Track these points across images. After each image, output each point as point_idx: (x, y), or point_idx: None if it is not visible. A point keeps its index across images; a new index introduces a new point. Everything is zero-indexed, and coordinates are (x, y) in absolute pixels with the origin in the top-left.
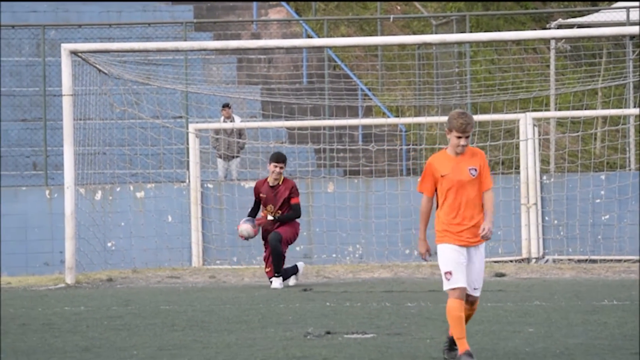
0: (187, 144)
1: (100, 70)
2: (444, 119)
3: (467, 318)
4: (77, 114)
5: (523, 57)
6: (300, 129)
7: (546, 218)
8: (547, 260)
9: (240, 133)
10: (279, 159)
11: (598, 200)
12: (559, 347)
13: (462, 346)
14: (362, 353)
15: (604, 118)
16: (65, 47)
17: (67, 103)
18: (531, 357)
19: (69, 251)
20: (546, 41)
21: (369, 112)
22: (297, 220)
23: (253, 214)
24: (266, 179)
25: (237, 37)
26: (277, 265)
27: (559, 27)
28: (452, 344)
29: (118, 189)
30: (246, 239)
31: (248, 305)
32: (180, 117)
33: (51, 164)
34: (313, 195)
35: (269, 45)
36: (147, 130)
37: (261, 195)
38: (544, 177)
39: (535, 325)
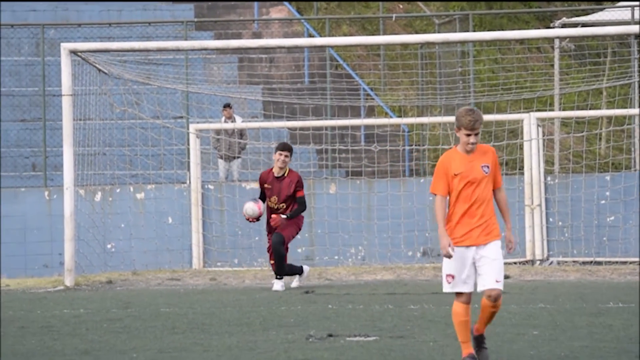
0: (188, 144)
1: (100, 70)
2: (447, 119)
3: (491, 316)
4: (76, 114)
5: (527, 57)
6: (302, 129)
7: (550, 219)
8: (551, 262)
9: (241, 133)
10: (285, 147)
11: (603, 202)
12: (563, 350)
13: (466, 349)
14: (365, 356)
15: (609, 118)
16: (65, 47)
17: (66, 103)
18: None
19: (68, 253)
20: (550, 40)
21: (371, 112)
22: (302, 213)
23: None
24: (271, 169)
25: (238, 36)
26: (279, 267)
27: (563, 26)
28: (478, 343)
29: (118, 190)
30: (252, 219)
31: (249, 307)
32: (181, 117)
33: (50, 164)
34: (315, 196)
35: (270, 45)
36: (147, 130)
37: (266, 186)
38: (548, 178)
39: (540, 328)
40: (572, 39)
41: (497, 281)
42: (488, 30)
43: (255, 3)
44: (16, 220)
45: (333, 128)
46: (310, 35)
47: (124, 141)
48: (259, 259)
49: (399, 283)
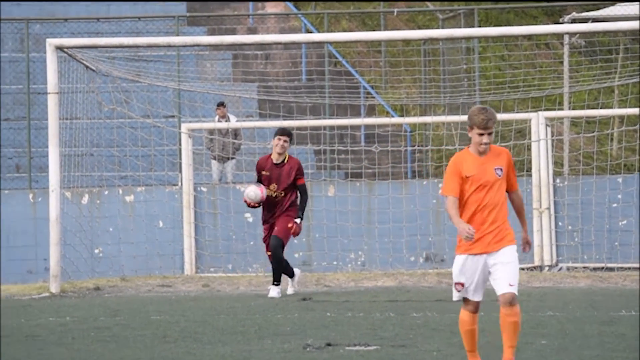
0: (180, 144)
1: (87, 67)
2: (451, 118)
3: (513, 328)
4: (63, 113)
5: (535, 53)
6: (299, 129)
7: (560, 223)
8: (560, 268)
9: (235, 133)
10: (284, 132)
11: (615, 205)
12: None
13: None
14: None
15: (621, 117)
16: (51, 42)
17: (52, 101)
18: None
19: (53, 258)
20: (559, 36)
21: (371, 111)
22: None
23: None
24: (269, 155)
25: (233, 32)
26: (277, 273)
27: (573, 21)
28: None
29: (106, 193)
30: (254, 204)
31: (244, 315)
32: (173, 116)
33: (35, 166)
34: (313, 199)
35: (266, 41)
36: (137, 130)
37: (264, 173)
38: (557, 180)
39: (549, 336)
40: (583, 34)
41: (510, 285)
42: (494, 26)
43: None
44: None
45: (332, 128)
46: (308, 31)
47: (113, 141)
48: (254, 265)
49: (400, 290)
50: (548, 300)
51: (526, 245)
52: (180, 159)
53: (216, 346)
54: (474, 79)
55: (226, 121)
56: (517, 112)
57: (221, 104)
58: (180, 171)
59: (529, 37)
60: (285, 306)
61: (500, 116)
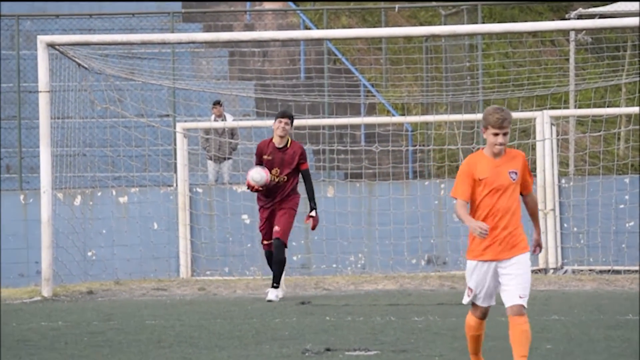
0: (175, 144)
1: (79, 65)
2: (454, 117)
3: (524, 336)
4: (54, 112)
5: (540, 50)
6: (297, 128)
7: (565, 225)
8: (566, 271)
9: (232, 133)
10: (284, 114)
11: (622, 206)
12: None
13: None
14: None
15: (628, 116)
16: (42, 40)
17: (43, 100)
18: None
19: (45, 261)
20: (565, 33)
21: (372, 110)
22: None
23: None
24: (271, 139)
25: (229, 28)
26: (277, 275)
27: (579, 17)
28: None
29: (99, 194)
30: (257, 188)
31: (241, 319)
32: (167, 115)
33: (26, 166)
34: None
35: (263, 38)
36: (131, 129)
37: (265, 157)
38: (563, 181)
39: (554, 341)
40: (589, 31)
41: (520, 297)
42: (498, 22)
43: None
44: None
45: (331, 127)
46: (306, 28)
47: (106, 141)
48: (251, 267)
49: (402, 293)
50: (553, 304)
51: (537, 247)
52: (175, 159)
53: (213, 351)
54: (477, 76)
55: (222, 120)
56: (522, 111)
57: (217, 103)
58: (176, 172)
59: (533, 33)
60: (283, 310)
61: None
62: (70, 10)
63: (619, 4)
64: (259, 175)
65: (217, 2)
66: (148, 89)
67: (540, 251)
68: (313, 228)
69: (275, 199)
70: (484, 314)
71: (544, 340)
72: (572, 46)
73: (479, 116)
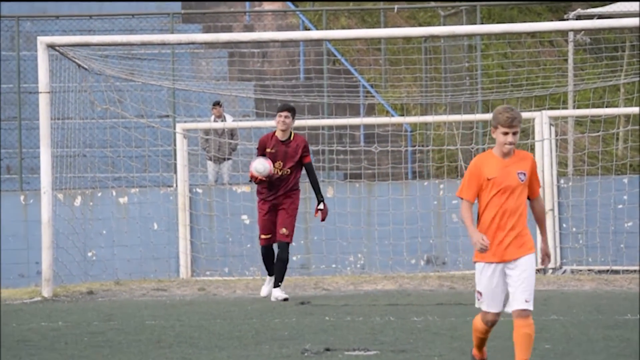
0: (175, 145)
1: (79, 66)
2: (453, 117)
3: (527, 339)
4: (54, 113)
5: (539, 51)
6: (297, 128)
7: (564, 225)
8: (564, 271)
9: (232, 133)
10: (284, 107)
11: (620, 206)
12: None
13: (477, 355)
14: None
15: (627, 116)
16: (42, 40)
17: (43, 101)
18: None
19: (46, 262)
20: (564, 33)
21: (371, 110)
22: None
23: None
24: (273, 133)
25: (229, 29)
26: (281, 275)
27: (578, 17)
28: None
29: (99, 194)
30: (261, 178)
31: (241, 319)
32: (167, 116)
33: (26, 167)
34: (311, 200)
35: (263, 39)
36: (131, 130)
37: (268, 150)
38: (562, 181)
39: (553, 341)
40: (588, 31)
41: (526, 301)
42: (497, 23)
43: None
44: None
45: (330, 127)
46: (306, 28)
47: (106, 142)
48: (251, 268)
49: (401, 293)
50: (552, 304)
51: (545, 257)
52: (175, 159)
53: (212, 351)
54: (476, 77)
55: (222, 121)
56: (521, 111)
57: (217, 104)
58: (175, 172)
59: (532, 34)
60: (282, 310)
61: None
62: (70, 11)
63: (617, 4)
64: (262, 166)
65: (216, 3)
66: (148, 89)
67: (549, 262)
68: (323, 219)
69: (278, 193)
70: (493, 321)
71: (542, 340)
72: (570, 47)
73: (477, 117)
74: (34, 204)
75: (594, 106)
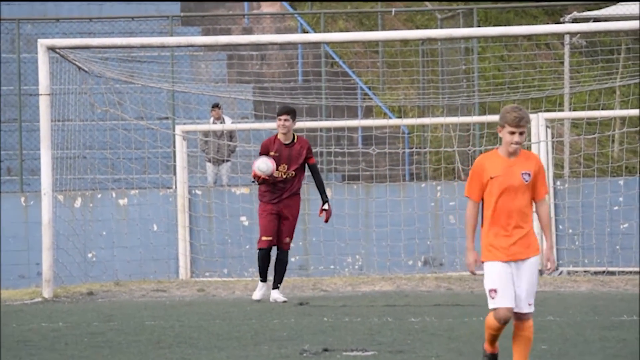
0: (174, 147)
1: (80, 68)
2: (450, 120)
3: (526, 341)
4: (55, 115)
5: (535, 54)
6: (295, 130)
7: (560, 227)
8: (561, 272)
9: (230, 135)
10: (282, 110)
11: (616, 208)
12: None
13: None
14: None
15: (622, 119)
16: (42, 43)
17: (44, 103)
18: None
19: (46, 263)
20: (560, 36)
21: (369, 112)
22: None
23: None
24: (275, 136)
25: (228, 32)
26: (281, 277)
27: (574, 20)
28: None
29: (99, 196)
30: (264, 177)
31: (240, 320)
32: (167, 118)
33: (27, 168)
34: (309, 202)
35: (261, 41)
36: (130, 132)
37: (272, 153)
38: (558, 183)
39: (549, 341)
40: (583, 34)
41: (529, 304)
42: (493, 26)
43: None
44: None
45: (328, 129)
46: (304, 31)
47: (106, 144)
48: (250, 269)
49: (398, 294)
50: (548, 305)
51: (547, 262)
52: (175, 161)
53: (212, 352)
54: (473, 79)
55: (221, 123)
56: None
57: (216, 106)
58: (175, 174)
59: (528, 37)
60: (281, 311)
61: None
62: (70, 14)
63: (613, 7)
64: (265, 165)
65: (215, 5)
66: (147, 92)
67: (553, 268)
68: (327, 220)
69: (282, 196)
70: (506, 317)
71: (539, 341)
72: (566, 49)
73: (474, 119)
74: (34, 206)
75: (590, 108)
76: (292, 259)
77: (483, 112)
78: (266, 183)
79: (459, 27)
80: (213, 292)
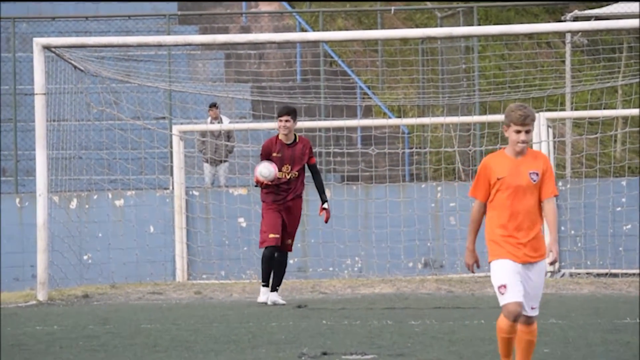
0: (171, 147)
1: (75, 67)
2: (450, 119)
3: (529, 344)
4: (50, 115)
5: (536, 52)
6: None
7: (562, 228)
8: (563, 274)
9: (228, 135)
10: (282, 111)
11: (619, 209)
12: None
13: None
14: None
15: (625, 118)
16: (38, 42)
17: (39, 103)
18: None
19: (41, 265)
20: (561, 35)
21: (368, 112)
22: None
23: None
24: (277, 137)
25: (225, 30)
26: (279, 279)
27: (575, 19)
28: None
29: (95, 197)
30: (267, 183)
31: (237, 323)
32: (164, 118)
33: (22, 169)
34: (308, 203)
35: (259, 40)
36: (127, 132)
37: (274, 155)
38: (560, 183)
39: (551, 345)
40: (585, 33)
41: (532, 308)
42: (494, 24)
43: None
44: None
45: (327, 129)
46: (302, 30)
47: (102, 144)
48: (248, 271)
49: (398, 297)
50: (550, 308)
51: (550, 253)
52: (172, 162)
53: (209, 355)
54: (474, 79)
55: (219, 123)
56: None
57: (213, 105)
58: (172, 174)
59: (529, 35)
60: (279, 314)
61: (500, 117)
62: (66, 13)
63: (615, 5)
64: (267, 170)
65: (213, 4)
66: (144, 91)
67: (554, 259)
68: (326, 220)
69: (287, 198)
70: (517, 314)
71: (541, 344)
72: (568, 48)
73: (475, 118)
74: (29, 207)
75: (592, 108)
76: (290, 261)
77: (484, 112)
78: (269, 187)
79: (459, 25)
80: (210, 295)
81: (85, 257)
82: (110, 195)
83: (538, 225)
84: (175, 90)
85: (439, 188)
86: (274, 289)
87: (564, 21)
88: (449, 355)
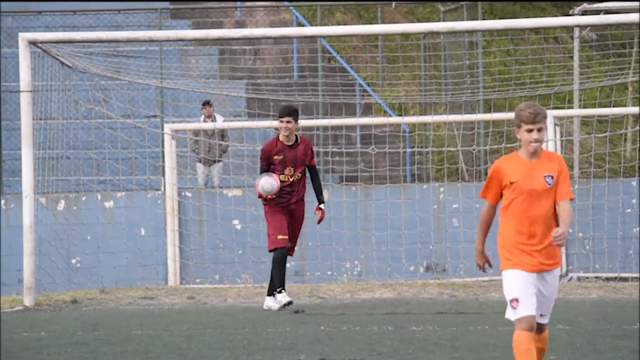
0: (163, 146)
1: (63, 63)
2: (453, 117)
3: (540, 352)
4: (37, 113)
5: (543, 48)
6: None
7: (570, 230)
8: (570, 278)
9: (222, 134)
10: (283, 112)
11: (629, 210)
12: None
13: None
14: None
15: (635, 116)
16: (24, 37)
17: (25, 100)
18: None
19: (27, 269)
20: (569, 29)
21: (368, 110)
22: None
23: None
24: (277, 138)
25: (219, 25)
26: (281, 279)
27: (584, 13)
28: None
29: (84, 198)
30: (270, 197)
31: (232, 329)
32: (155, 116)
33: (7, 169)
34: (305, 204)
35: (255, 35)
36: (116, 131)
37: (276, 157)
38: None
39: (558, 351)
40: (594, 27)
41: (541, 315)
42: (499, 19)
43: None
44: None
45: (325, 128)
46: (299, 24)
47: (91, 143)
48: (243, 275)
49: (399, 301)
50: (557, 313)
51: (556, 238)
52: (163, 162)
53: None
54: (478, 75)
55: (212, 121)
56: None
57: (207, 103)
58: (163, 175)
59: (536, 30)
60: (276, 319)
61: (505, 115)
62: (53, 7)
63: None
64: (269, 185)
65: None
66: (135, 88)
67: (559, 239)
68: (319, 221)
69: (290, 201)
70: (531, 325)
71: (548, 350)
72: (576, 43)
73: (479, 116)
74: (14, 209)
75: (601, 105)
76: (287, 265)
77: (488, 110)
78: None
79: (462, 20)
80: (204, 300)
81: (73, 261)
82: (99, 197)
83: (552, 230)
84: (167, 88)
85: (442, 189)
86: (270, 294)
87: (572, 15)
88: None
